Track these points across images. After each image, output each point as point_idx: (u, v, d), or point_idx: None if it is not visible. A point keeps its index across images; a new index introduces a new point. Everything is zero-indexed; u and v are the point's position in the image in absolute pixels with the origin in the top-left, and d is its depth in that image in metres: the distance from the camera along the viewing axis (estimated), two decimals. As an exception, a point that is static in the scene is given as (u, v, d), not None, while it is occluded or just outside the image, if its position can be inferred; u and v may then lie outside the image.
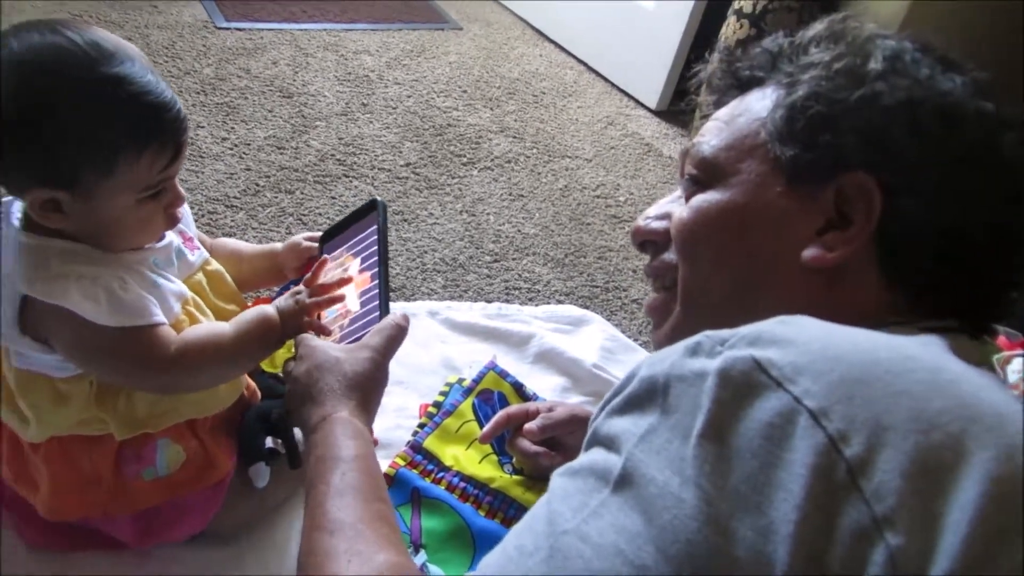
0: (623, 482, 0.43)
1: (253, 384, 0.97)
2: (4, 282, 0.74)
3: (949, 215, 0.53)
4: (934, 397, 0.38)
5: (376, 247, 0.86)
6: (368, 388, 0.74)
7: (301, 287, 0.84)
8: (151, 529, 0.87)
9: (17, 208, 0.76)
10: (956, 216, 0.53)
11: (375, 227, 0.88)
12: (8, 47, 0.65)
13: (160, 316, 0.75)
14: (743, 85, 0.64)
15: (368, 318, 0.80)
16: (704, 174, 0.62)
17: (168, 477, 0.85)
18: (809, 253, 0.55)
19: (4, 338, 0.75)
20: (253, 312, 0.81)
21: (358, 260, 0.88)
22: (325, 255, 0.94)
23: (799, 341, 0.42)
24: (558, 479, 0.48)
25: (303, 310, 0.82)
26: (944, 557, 0.34)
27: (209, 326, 0.80)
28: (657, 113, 2.26)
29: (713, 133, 0.63)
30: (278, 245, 0.98)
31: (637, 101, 2.32)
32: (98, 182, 0.69)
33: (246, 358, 0.83)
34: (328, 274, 0.91)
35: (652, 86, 2.26)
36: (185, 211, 0.89)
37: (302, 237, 0.97)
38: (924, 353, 0.42)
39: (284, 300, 0.83)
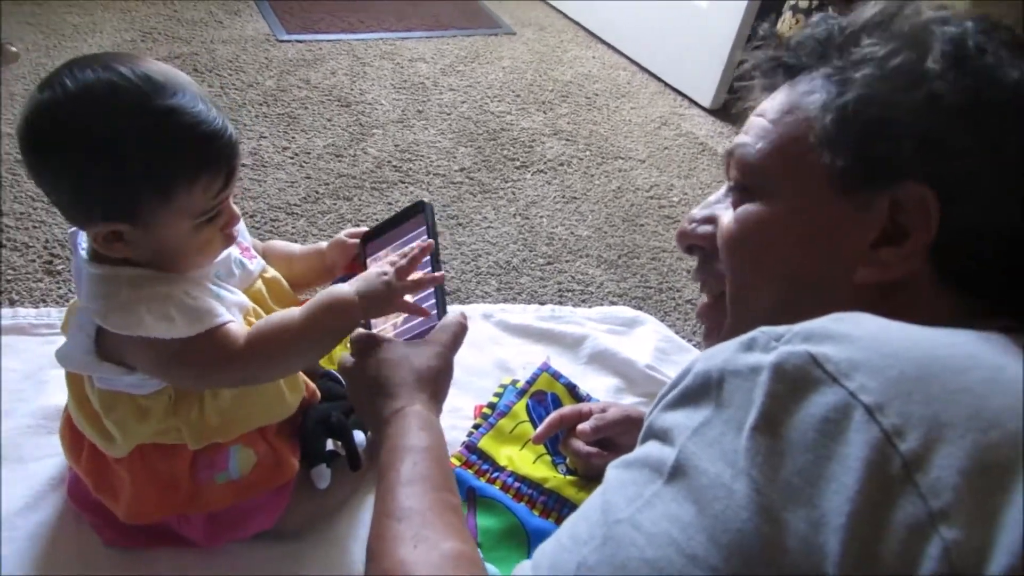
0: (676, 473, 0.43)
1: (313, 385, 1.00)
2: (79, 313, 0.77)
3: (1012, 218, 0.50)
4: (995, 395, 0.38)
5: (427, 239, 0.87)
6: (438, 382, 0.75)
7: (388, 269, 0.81)
8: (221, 528, 0.91)
9: (83, 238, 0.79)
10: (1019, 219, 0.50)
11: (423, 228, 0.90)
12: (63, 85, 0.66)
13: (227, 315, 0.77)
14: (791, 72, 0.61)
15: (422, 318, 0.82)
16: (750, 182, 0.61)
17: (240, 480, 0.89)
18: (863, 273, 0.53)
19: (84, 367, 0.80)
20: (324, 295, 0.79)
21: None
22: (368, 254, 0.96)
23: (855, 337, 0.41)
24: (613, 471, 0.49)
25: (395, 292, 0.79)
26: (1003, 553, 0.34)
27: (279, 316, 0.81)
28: (711, 112, 2.24)
29: (759, 134, 0.60)
30: (323, 244, 1.00)
31: (691, 100, 2.30)
32: (156, 212, 0.71)
33: (319, 344, 0.82)
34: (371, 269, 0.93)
35: (706, 85, 2.24)
36: (241, 231, 0.93)
37: (345, 234, 0.98)
38: (986, 351, 0.41)
39: (368, 283, 0.80)
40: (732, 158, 0.63)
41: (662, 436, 0.46)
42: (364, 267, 0.96)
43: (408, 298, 0.84)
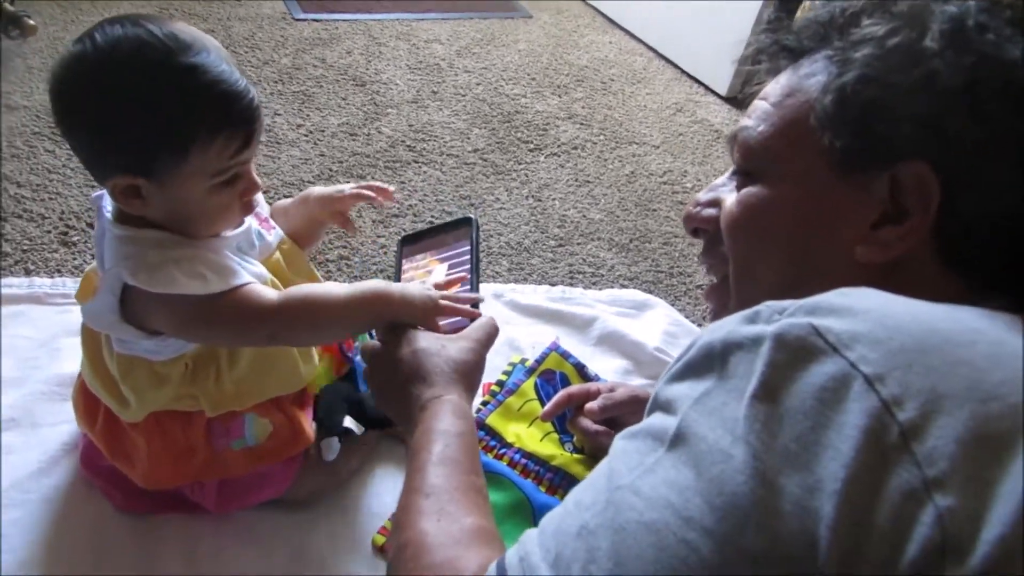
0: (677, 441, 0.44)
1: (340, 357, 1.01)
2: (106, 275, 0.78)
3: (1015, 199, 0.50)
4: (995, 369, 0.38)
5: (468, 257, 0.89)
6: (472, 376, 0.76)
7: (434, 295, 0.81)
8: (232, 496, 0.92)
9: (108, 202, 0.80)
10: (1022, 199, 0.50)
11: (467, 239, 0.91)
12: (93, 39, 0.69)
13: (249, 277, 0.78)
14: (793, 55, 0.61)
15: (454, 320, 0.83)
16: (752, 165, 0.61)
17: (257, 447, 0.90)
18: (863, 252, 0.53)
19: (107, 326, 0.80)
20: (372, 285, 0.81)
21: (445, 266, 0.90)
22: (405, 256, 0.96)
23: (858, 310, 0.42)
24: (619, 441, 0.49)
25: (428, 317, 0.80)
26: (996, 523, 0.34)
27: (318, 286, 0.82)
28: (727, 99, 2.23)
29: (760, 117, 0.60)
30: (309, 191, 0.98)
31: (707, 87, 2.29)
32: (172, 168, 0.71)
33: (351, 324, 0.83)
34: (408, 272, 0.94)
35: (722, 72, 2.22)
36: (259, 199, 0.93)
37: (336, 190, 0.97)
38: (989, 326, 0.41)
39: (417, 289, 0.81)
40: (735, 142, 0.63)
41: (666, 407, 0.47)
42: (398, 269, 0.96)
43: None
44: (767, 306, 0.45)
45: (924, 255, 0.52)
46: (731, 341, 0.44)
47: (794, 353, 0.41)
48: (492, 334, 0.81)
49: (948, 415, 0.36)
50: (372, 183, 0.98)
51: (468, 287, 0.85)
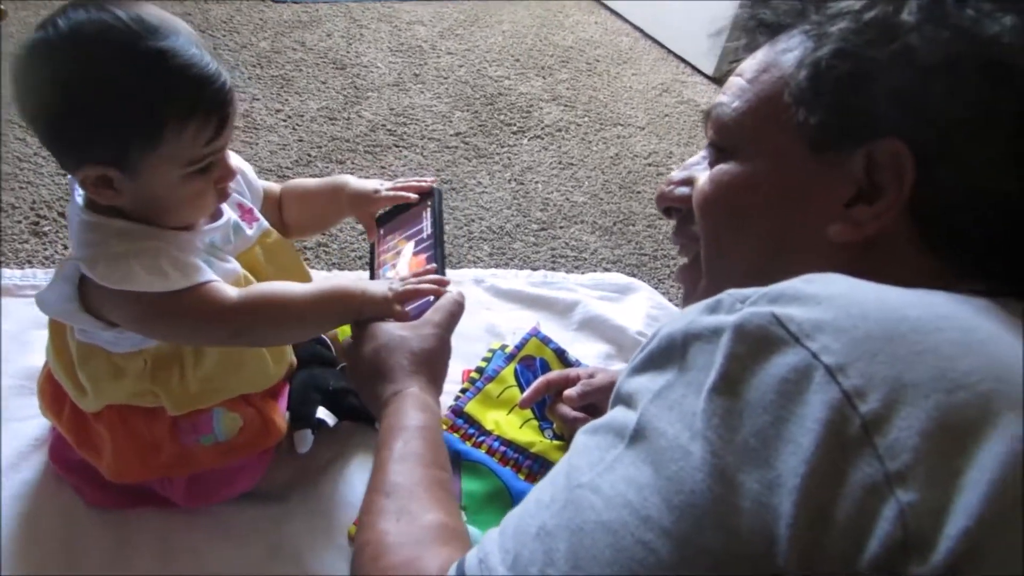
0: (637, 437, 0.43)
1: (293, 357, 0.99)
2: (66, 261, 0.76)
3: (992, 179, 0.48)
4: (963, 356, 0.37)
5: (431, 230, 0.87)
6: (435, 363, 0.76)
7: (395, 287, 0.81)
8: (202, 490, 0.91)
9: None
10: (1000, 180, 0.48)
11: (430, 211, 0.89)
12: (55, 25, 0.66)
13: (212, 275, 0.76)
14: (771, 30, 0.59)
15: (423, 298, 0.82)
16: (725, 142, 0.59)
17: (227, 442, 0.88)
18: (836, 229, 0.52)
19: (63, 315, 0.78)
20: (334, 284, 0.81)
21: (412, 243, 0.89)
22: (378, 239, 0.95)
23: (823, 297, 0.40)
24: (580, 436, 0.48)
25: (391, 308, 0.79)
26: (960, 515, 0.33)
27: (282, 285, 0.80)
28: (714, 79, 2.20)
29: (735, 93, 0.59)
30: (344, 182, 0.95)
31: (694, 67, 2.26)
32: (145, 156, 0.69)
33: (314, 324, 0.83)
34: (381, 256, 0.92)
35: (709, 52, 2.19)
36: (250, 180, 0.91)
37: (372, 190, 0.94)
38: (958, 312, 0.40)
39: (375, 284, 0.81)
40: (710, 119, 0.61)
41: (627, 400, 0.46)
42: (373, 253, 0.95)
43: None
44: (729, 295, 0.44)
45: (900, 236, 0.51)
46: (691, 332, 0.43)
47: (754, 344, 0.40)
48: (455, 312, 0.80)
49: (912, 406, 0.35)
50: (409, 183, 0.94)
51: (434, 263, 0.84)
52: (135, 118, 0.68)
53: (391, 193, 0.93)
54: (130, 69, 0.66)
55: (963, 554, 0.32)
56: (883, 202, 0.50)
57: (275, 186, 0.97)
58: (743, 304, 0.42)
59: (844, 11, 0.52)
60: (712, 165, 0.61)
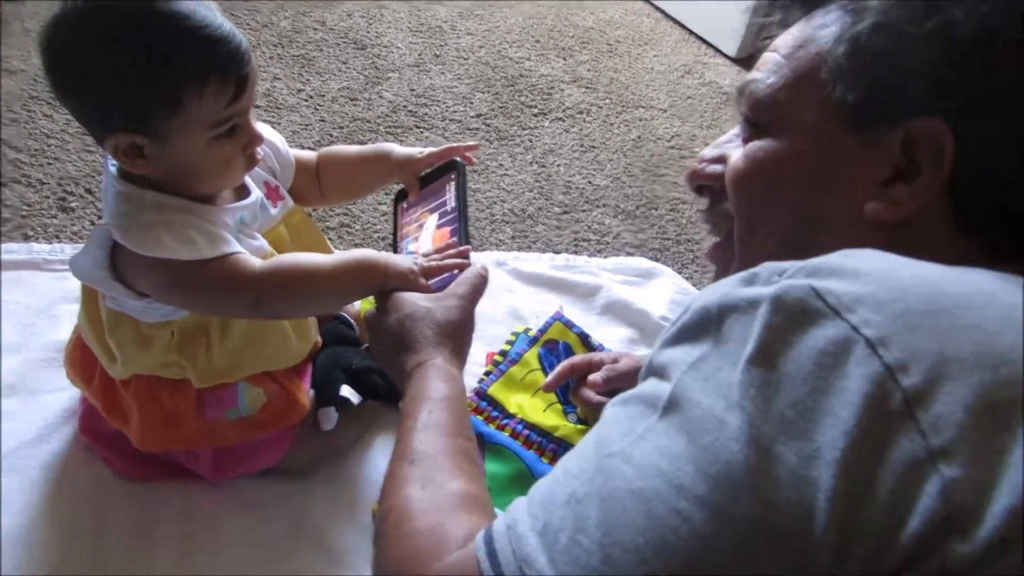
0: (670, 407, 0.43)
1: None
2: (99, 228, 0.77)
3: None
4: (1007, 332, 0.37)
5: (455, 203, 0.87)
6: (459, 334, 0.75)
7: (420, 261, 0.82)
8: (227, 463, 0.92)
9: None
10: None
11: (453, 185, 0.89)
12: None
13: (238, 247, 0.77)
14: (806, 5, 0.59)
15: (443, 276, 0.82)
16: (759, 118, 0.58)
17: (251, 417, 0.89)
18: (873, 208, 0.51)
19: (94, 280, 0.79)
20: (359, 254, 0.81)
21: (435, 216, 0.89)
22: (399, 213, 0.95)
23: (862, 272, 0.40)
24: (610, 408, 0.48)
25: (416, 282, 0.80)
26: (1005, 494, 0.33)
27: (305, 255, 0.81)
28: (737, 60, 2.18)
29: (771, 69, 0.58)
30: (389, 150, 0.95)
31: (716, 48, 2.24)
32: (169, 121, 0.70)
33: (337, 295, 0.84)
34: (404, 228, 0.93)
35: (732, 32, 2.17)
36: (280, 151, 0.91)
37: (417, 152, 0.94)
38: (1000, 288, 0.40)
39: (399, 258, 0.82)
40: (743, 95, 0.61)
41: (660, 372, 0.46)
42: (395, 226, 0.96)
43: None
44: (766, 267, 0.43)
45: (937, 215, 0.50)
46: (727, 304, 0.43)
47: (792, 316, 0.39)
48: (478, 285, 0.80)
49: (956, 381, 0.35)
50: (459, 146, 0.94)
51: (457, 237, 0.84)
52: (153, 82, 0.68)
53: (435, 149, 0.93)
54: (144, 35, 0.67)
55: (1008, 532, 0.32)
56: (921, 181, 0.50)
57: (310, 154, 0.97)
58: (780, 277, 0.42)
59: None
60: (746, 142, 0.60)
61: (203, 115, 0.71)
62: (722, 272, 0.66)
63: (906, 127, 0.50)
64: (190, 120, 0.71)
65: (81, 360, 0.90)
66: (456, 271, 0.81)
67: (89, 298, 0.85)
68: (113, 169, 0.77)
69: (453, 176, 0.89)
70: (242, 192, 0.84)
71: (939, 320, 0.37)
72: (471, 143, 0.95)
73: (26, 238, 1.24)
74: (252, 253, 0.80)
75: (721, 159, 0.64)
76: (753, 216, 0.60)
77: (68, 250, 1.21)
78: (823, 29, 0.55)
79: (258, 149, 0.79)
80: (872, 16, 0.51)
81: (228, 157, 0.76)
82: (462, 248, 0.83)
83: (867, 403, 0.36)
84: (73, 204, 1.32)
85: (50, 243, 1.23)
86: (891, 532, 0.34)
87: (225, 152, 0.75)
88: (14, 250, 1.20)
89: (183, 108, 0.70)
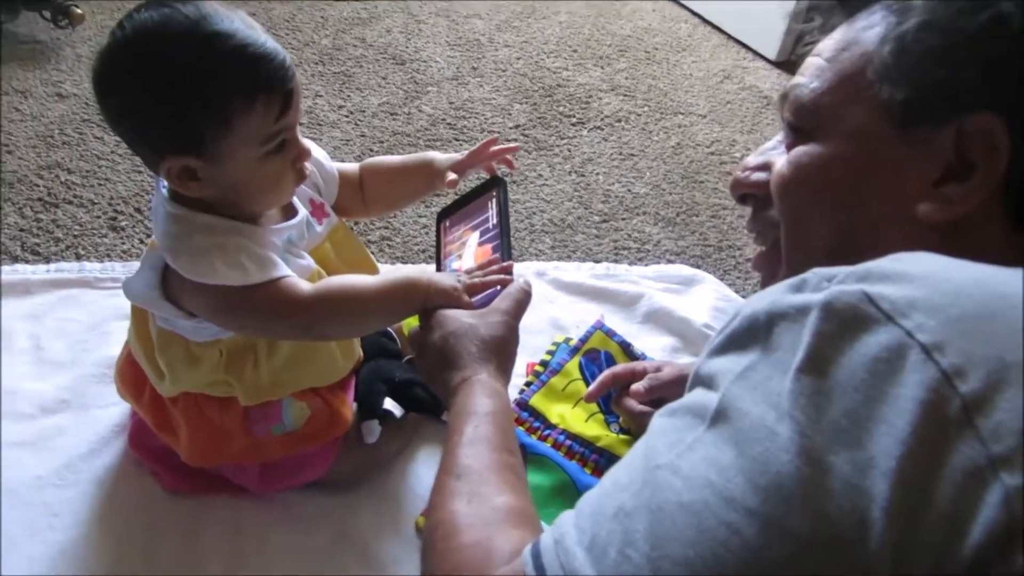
0: (718, 418, 0.42)
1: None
2: (152, 251, 0.79)
3: None
4: None
5: (497, 219, 0.87)
6: (504, 350, 0.76)
7: (463, 279, 0.82)
8: (274, 477, 0.93)
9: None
10: None
11: (495, 201, 0.89)
12: (122, 27, 0.69)
13: (287, 270, 0.78)
14: (850, 7, 0.58)
15: (490, 288, 0.82)
16: (804, 123, 0.58)
17: (296, 431, 0.90)
18: (925, 209, 0.50)
19: (146, 302, 0.81)
20: (401, 275, 0.82)
21: (477, 233, 0.89)
22: (445, 231, 0.96)
23: (914, 275, 0.39)
24: (657, 419, 0.48)
25: (459, 299, 0.80)
26: None
27: (352, 278, 0.82)
28: (777, 64, 2.15)
29: (814, 73, 0.57)
30: (431, 158, 0.95)
31: (756, 53, 2.21)
32: (220, 140, 0.71)
33: (382, 316, 0.85)
34: (447, 247, 0.93)
35: (771, 36, 2.14)
36: (324, 167, 0.92)
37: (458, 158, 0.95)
38: None
39: (442, 276, 0.82)
40: (787, 100, 0.60)
41: (707, 382, 0.45)
42: (439, 244, 0.96)
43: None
44: (815, 273, 0.43)
45: (990, 215, 0.49)
46: (776, 311, 0.42)
47: (844, 322, 0.39)
48: (522, 300, 0.80)
49: (1016, 386, 0.34)
50: (497, 144, 0.94)
51: (499, 253, 0.84)
52: (202, 104, 0.69)
53: (468, 152, 0.93)
54: (190, 56, 0.68)
55: None
56: (976, 179, 0.49)
57: (352, 166, 0.98)
58: (830, 282, 0.41)
59: None
60: (789, 148, 0.59)
61: (253, 132, 0.72)
62: (768, 280, 0.65)
63: (958, 124, 0.49)
64: (241, 138, 0.72)
65: (132, 376, 0.92)
66: (499, 287, 0.81)
67: (139, 317, 0.87)
68: (164, 191, 0.79)
69: (495, 193, 0.90)
70: (289, 211, 0.85)
71: (996, 323, 0.36)
72: (511, 145, 0.95)
73: (78, 257, 1.27)
74: (299, 272, 0.81)
75: (765, 167, 0.64)
76: (800, 222, 0.59)
77: (119, 268, 1.24)
78: (867, 31, 0.54)
79: (306, 164, 0.80)
80: (918, 15, 0.50)
81: (279, 173, 0.77)
82: (504, 264, 0.83)
83: (923, 410, 0.35)
84: (123, 223, 1.35)
85: (101, 262, 1.27)
86: (951, 543, 0.33)
87: (276, 168, 0.76)
88: (66, 269, 1.23)
89: (233, 127, 0.71)
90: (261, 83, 0.71)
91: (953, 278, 0.39)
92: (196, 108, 0.69)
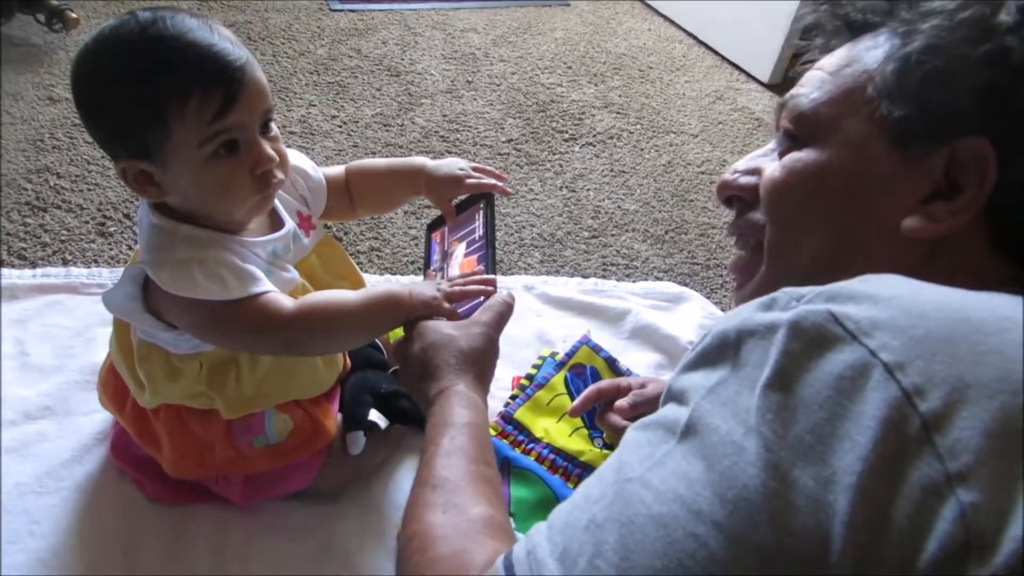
0: (689, 432, 0.43)
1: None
2: (133, 263, 0.78)
3: None
4: None
5: (483, 231, 0.88)
6: (482, 362, 0.76)
7: (444, 287, 0.83)
8: (257, 488, 0.92)
9: None
10: None
11: (481, 214, 0.90)
12: (92, 37, 0.70)
13: (270, 285, 0.77)
14: (855, 30, 0.59)
15: (474, 299, 0.82)
16: (801, 131, 0.59)
17: (279, 444, 0.90)
18: (911, 223, 0.52)
19: (127, 314, 0.81)
20: (383, 289, 0.82)
21: (463, 244, 0.90)
22: (432, 243, 0.97)
23: (881, 297, 0.40)
24: (630, 433, 0.49)
25: (440, 308, 0.80)
26: (1023, 518, 0.32)
27: (334, 293, 0.81)
28: (769, 86, 2.17)
29: (815, 85, 0.59)
30: (421, 165, 0.94)
31: (748, 74, 2.23)
32: (162, 142, 0.70)
33: (365, 332, 0.85)
34: (433, 257, 0.93)
35: (764, 58, 2.17)
36: (310, 177, 0.91)
37: (455, 177, 0.93)
38: (1022, 314, 0.39)
39: (423, 286, 0.83)
40: (784, 109, 0.61)
41: (679, 397, 0.46)
42: (427, 255, 0.97)
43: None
44: (784, 292, 0.44)
45: (973, 237, 0.51)
46: (745, 329, 0.43)
47: (810, 341, 0.40)
48: (504, 313, 0.80)
49: (974, 406, 0.35)
50: (491, 177, 0.94)
51: (483, 265, 0.85)
52: (137, 103, 0.69)
53: (474, 182, 0.92)
54: (128, 58, 0.69)
55: None
56: (963, 199, 0.50)
57: (338, 169, 0.97)
58: (798, 302, 0.42)
59: (937, 10, 0.52)
60: (782, 155, 0.61)
61: (189, 133, 0.70)
62: (743, 283, 0.66)
63: (952, 146, 0.50)
64: (180, 139, 0.70)
65: (114, 386, 0.92)
66: (483, 298, 0.81)
67: (121, 328, 0.86)
68: (148, 202, 0.78)
69: (482, 205, 0.90)
70: (275, 224, 0.84)
71: (959, 345, 0.37)
72: (502, 181, 0.95)
73: (65, 262, 1.27)
74: (284, 285, 0.81)
75: (754, 171, 0.65)
76: (788, 226, 0.60)
77: (106, 274, 1.24)
78: (871, 51, 0.56)
79: (277, 172, 0.76)
80: (924, 38, 0.52)
81: (229, 179, 0.73)
82: (487, 276, 0.83)
83: (884, 428, 0.36)
84: (111, 229, 1.35)
85: (88, 267, 1.26)
86: (908, 557, 0.34)
87: (225, 172, 0.73)
88: (53, 274, 1.23)
89: (170, 127, 0.69)
90: (197, 82, 0.68)
91: (918, 300, 0.40)
92: (133, 108, 0.69)
